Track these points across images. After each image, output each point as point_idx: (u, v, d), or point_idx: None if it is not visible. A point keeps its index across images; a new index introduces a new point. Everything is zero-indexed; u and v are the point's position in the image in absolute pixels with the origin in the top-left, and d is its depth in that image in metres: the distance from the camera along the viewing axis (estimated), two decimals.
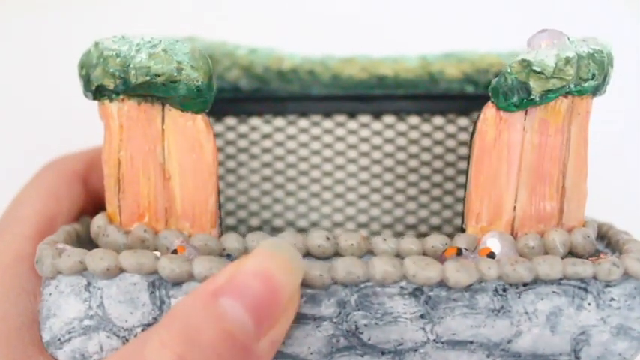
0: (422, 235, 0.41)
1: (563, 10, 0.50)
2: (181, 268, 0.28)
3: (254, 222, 0.42)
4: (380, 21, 0.52)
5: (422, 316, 0.28)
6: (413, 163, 0.41)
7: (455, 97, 0.41)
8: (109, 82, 0.29)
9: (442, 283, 0.28)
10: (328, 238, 0.30)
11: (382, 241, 0.30)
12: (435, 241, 0.30)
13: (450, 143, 0.41)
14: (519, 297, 0.28)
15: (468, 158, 0.30)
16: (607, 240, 0.32)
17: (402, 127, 0.41)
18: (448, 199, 0.41)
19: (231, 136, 0.41)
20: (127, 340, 0.28)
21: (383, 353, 0.28)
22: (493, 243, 0.29)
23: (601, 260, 0.29)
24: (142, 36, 0.29)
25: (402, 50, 0.42)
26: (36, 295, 0.31)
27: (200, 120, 0.29)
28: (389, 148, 0.41)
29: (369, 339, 0.28)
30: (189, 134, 0.30)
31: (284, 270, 0.26)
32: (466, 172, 0.30)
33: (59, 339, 0.29)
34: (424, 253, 0.30)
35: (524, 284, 0.28)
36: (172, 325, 0.25)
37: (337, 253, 0.30)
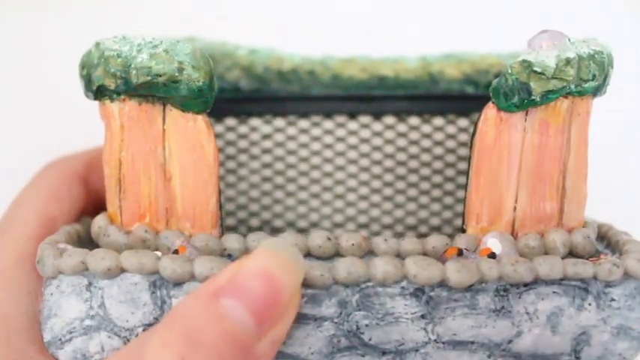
0: (422, 236, 0.41)
1: (563, 10, 0.50)
2: (182, 268, 0.28)
3: (254, 222, 0.42)
4: (380, 21, 0.52)
5: (423, 317, 0.28)
6: (413, 164, 0.41)
7: (455, 97, 0.41)
8: (110, 82, 0.29)
9: (443, 284, 0.28)
10: (329, 239, 0.30)
11: (383, 242, 0.30)
12: (436, 241, 0.30)
13: (450, 144, 0.41)
14: (520, 297, 0.28)
15: (468, 159, 0.30)
16: (607, 240, 0.32)
17: (402, 127, 0.41)
18: (448, 200, 0.41)
19: (231, 136, 0.41)
20: (128, 340, 0.28)
21: (384, 353, 0.28)
22: (494, 243, 0.29)
23: (601, 261, 0.29)
24: (143, 36, 0.29)
25: (402, 51, 0.42)
26: (37, 296, 0.31)
27: (201, 120, 0.29)
28: (389, 148, 0.41)
29: (370, 339, 0.28)
30: (190, 134, 0.30)
31: (285, 270, 0.26)
32: (466, 173, 0.30)
33: (60, 339, 0.29)
34: (425, 254, 0.30)
35: (525, 284, 0.28)
36: (173, 325, 0.25)
37: (338, 254, 0.30)
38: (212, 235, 0.30)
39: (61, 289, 0.29)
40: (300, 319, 0.28)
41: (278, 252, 0.26)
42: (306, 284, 0.28)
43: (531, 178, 0.30)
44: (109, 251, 0.28)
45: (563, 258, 0.29)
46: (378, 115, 0.41)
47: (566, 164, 0.30)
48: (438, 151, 0.41)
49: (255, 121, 0.41)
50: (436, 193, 0.41)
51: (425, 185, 0.41)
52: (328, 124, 0.41)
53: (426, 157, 0.41)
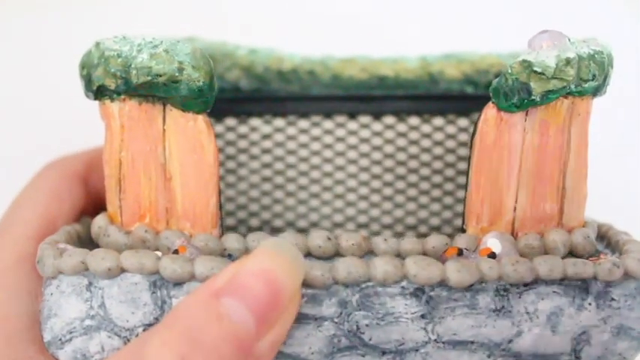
0: (422, 236, 0.41)
1: (563, 10, 0.50)
2: (183, 268, 0.28)
3: (254, 222, 0.42)
4: (380, 21, 0.52)
5: (423, 316, 0.28)
6: (413, 164, 0.41)
7: (455, 97, 0.41)
8: (110, 82, 0.29)
9: (443, 283, 0.28)
10: (329, 239, 0.30)
11: (383, 242, 0.30)
12: (436, 241, 0.30)
13: (450, 144, 0.41)
14: (520, 297, 0.28)
15: (468, 159, 0.30)
16: (607, 240, 0.32)
17: (402, 127, 0.41)
18: (448, 200, 0.41)
19: (231, 136, 0.41)
20: (129, 340, 0.28)
21: (384, 353, 0.28)
22: (494, 243, 0.30)
23: (601, 260, 0.29)
24: (143, 36, 0.29)
25: (402, 51, 0.42)
26: (37, 296, 0.31)
27: (201, 120, 0.29)
28: (389, 148, 0.41)
29: (370, 339, 0.28)
30: (190, 134, 0.30)
31: (285, 270, 0.26)
32: (466, 173, 0.30)
33: (60, 339, 0.29)
34: (425, 254, 0.30)
35: (525, 284, 0.28)
36: (174, 325, 0.25)
37: (338, 254, 0.30)
38: (212, 235, 0.30)
39: (61, 289, 0.29)
40: (301, 318, 0.28)
41: (278, 252, 0.26)
42: (306, 284, 0.28)
43: (531, 178, 0.30)
44: (109, 251, 0.28)
45: (563, 258, 0.29)
46: (377, 115, 0.41)
47: (566, 164, 0.30)
48: (438, 151, 0.41)
49: (255, 121, 0.41)
50: (436, 193, 0.41)
51: (425, 185, 0.41)
52: (328, 124, 0.41)
53: (425, 157, 0.41)
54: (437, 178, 0.41)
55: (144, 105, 0.29)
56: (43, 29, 0.51)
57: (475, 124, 0.30)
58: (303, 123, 0.41)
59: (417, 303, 0.28)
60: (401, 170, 0.41)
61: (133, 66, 0.28)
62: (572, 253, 0.30)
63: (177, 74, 0.28)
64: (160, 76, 0.28)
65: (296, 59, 0.41)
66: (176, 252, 0.29)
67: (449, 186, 0.41)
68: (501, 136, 0.29)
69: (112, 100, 0.29)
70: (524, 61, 0.28)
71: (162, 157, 0.30)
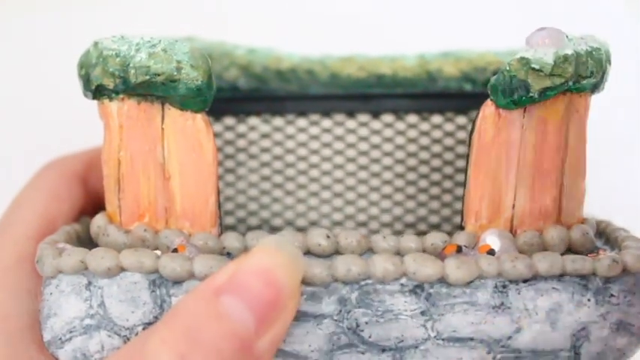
0: (421, 234, 0.41)
1: (562, 10, 0.50)
2: (182, 267, 0.28)
3: (253, 221, 0.42)
4: (378, 20, 0.52)
5: (422, 313, 0.28)
6: (412, 162, 0.41)
7: (453, 95, 0.41)
8: (108, 81, 0.29)
9: (442, 280, 0.28)
10: (328, 237, 0.30)
11: (382, 239, 0.30)
12: (435, 239, 0.30)
13: (449, 141, 0.41)
14: (519, 293, 0.28)
15: (466, 156, 0.30)
16: (605, 237, 0.33)
17: (400, 125, 0.41)
18: (447, 198, 0.41)
19: (229, 135, 0.41)
20: (128, 339, 0.28)
21: (383, 350, 0.29)
22: (492, 240, 0.30)
23: (600, 257, 0.29)
24: (142, 35, 0.29)
25: (400, 49, 0.42)
26: (37, 296, 0.31)
27: (200, 119, 0.29)
28: (387, 146, 0.41)
29: (370, 336, 0.28)
30: (189, 133, 0.30)
31: (285, 268, 0.26)
32: (465, 170, 0.30)
33: (60, 338, 0.29)
34: (424, 251, 0.30)
35: (524, 281, 0.28)
36: (173, 323, 0.25)
37: (337, 252, 0.30)
38: (211, 234, 0.30)
39: (60, 289, 0.29)
40: (300, 316, 0.28)
41: (278, 250, 0.26)
42: (305, 282, 0.28)
43: (530, 175, 0.30)
44: (108, 250, 0.28)
45: (562, 254, 0.29)
46: (376, 114, 0.41)
47: (564, 161, 0.30)
48: (437, 148, 0.41)
49: (253, 120, 0.41)
50: (435, 190, 0.41)
51: (423, 183, 0.41)
52: (327, 122, 0.41)
53: (424, 155, 0.41)
54: (435, 176, 0.41)
55: (142, 104, 0.29)
56: (42, 29, 0.51)
57: (473, 121, 0.30)
58: (302, 122, 0.41)
59: (416, 300, 0.28)
60: (400, 168, 0.41)
61: (131, 65, 0.28)
62: (571, 250, 0.30)
63: (175, 73, 0.28)
64: (159, 75, 0.28)
65: (294, 58, 0.41)
66: (175, 251, 0.29)
67: (447, 184, 0.41)
68: (499, 133, 0.29)
69: (111, 99, 0.29)
70: (522, 58, 0.28)
71: (161, 157, 0.30)
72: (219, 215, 0.30)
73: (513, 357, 0.29)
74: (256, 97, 0.41)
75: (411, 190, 0.41)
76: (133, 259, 0.28)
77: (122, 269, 0.28)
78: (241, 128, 0.41)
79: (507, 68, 0.28)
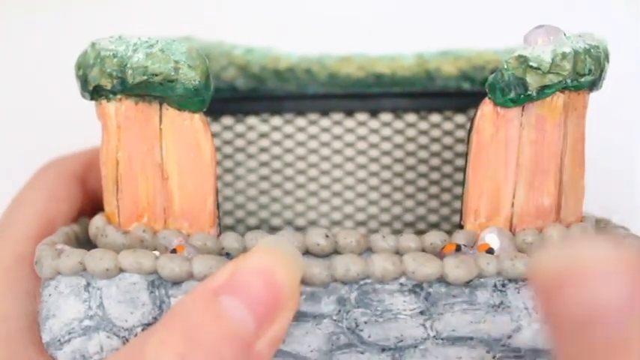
0: (420, 233, 0.41)
1: (562, 10, 0.50)
2: (181, 267, 0.28)
3: (252, 221, 0.42)
4: (376, 19, 0.52)
5: (422, 313, 0.28)
6: (410, 161, 0.41)
7: (452, 94, 0.41)
8: (106, 82, 0.29)
9: (442, 280, 0.28)
10: (327, 237, 0.30)
11: (381, 239, 0.30)
12: (434, 238, 0.30)
13: (447, 140, 0.41)
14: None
15: (465, 155, 0.30)
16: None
17: (399, 124, 0.41)
18: (446, 196, 0.41)
19: (228, 135, 0.41)
20: (127, 340, 0.28)
21: (383, 350, 0.28)
22: (492, 239, 0.30)
23: None
24: (139, 36, 0.29)
25: (398, 48, 0.42)
26: (36, 297, 0.31)
27: (198, 119, 0.29)
28: (386, 145, 0.41)
29: (369, 336, 0.28)
30: (187, 134, 0.30)
31: (284, 268, 0.26)
32: (464, 169, 0.30)
33: (59, 340, 0.29)
34: (423, 250, 0.30)
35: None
36: (173, 324, 0.25)
37: (336, 251, 0.30)
38: (210, 235, 0.30)
39: (59, 290, 0.29)
40: (299, 316, 0.28)
41: (276, 250, 0.26)
42: (304, 282, 0.28)
43: (529, 174, 0.30)
44: (107, 251, 0.28)
45: None
46: (374, 113, 0.41)
47: (563, 159, 0.30)
48: (435, 147, 0.41)
49: (251, 120, 0.41)
50: (434, 189, 0.41)
51: (422, 182, 0.41)
52: (325, 122, 0.41)
53: (423, 154, 0.41)
54: (434, 175, 0.41)
55: (140, 105, 0.29)
56: (41, 29, 0.51)
57: (472, 120, 0.30)
58: (301, 121, 0.41)
59: (415, 299, 0.28)
60: (398, 167, 0.41)
61: (128, 66, 0.28)
62: None
63: (173, 74, 0.28)
64: (156, 75, 0.28)
65: (292, 58, 0.41)
66: (174, 251, 0.29)
67: (446, 182, 0.41)
68: (498, 131, 0.29)
69: (109, 100, 0.29)
70: (520, 56, 0.28)
71: (159, 157, 0.30)
72: (218, 215, 0.30)
73: (513, 356, 0.29)
74: (254, 97, 0.41)
75: (409, 189, 0.41)
76: (132, 260, 0.28)
77: (121, 270, 0.28)
78: (239, 128, 0.41)
79: (505, 66, 0.28)
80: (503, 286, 0.28)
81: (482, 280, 0.28)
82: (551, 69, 0.28)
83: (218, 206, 0.30)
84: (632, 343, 0.20)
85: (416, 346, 0.28)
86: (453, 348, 0.29)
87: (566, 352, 0.21)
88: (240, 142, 0.41)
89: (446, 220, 0.41)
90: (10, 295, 0.31)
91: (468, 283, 0.28)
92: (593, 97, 0.31)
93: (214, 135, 0.40)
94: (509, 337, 0.29)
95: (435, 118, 0.41)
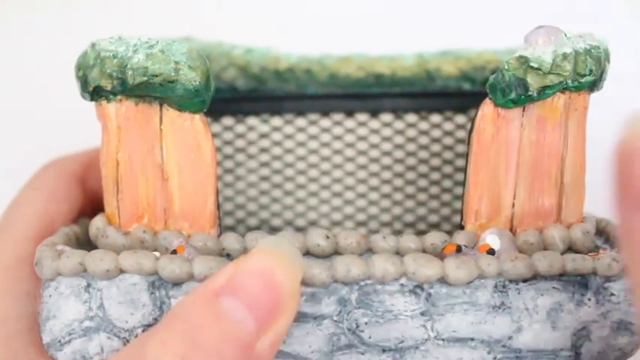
0: (421, 233, 0.41)
1: (562, 10, 0.50)
2: (181, 268, 0.28)
3: (252, 222, 0.42)
4: (376, 19, 0.52)
5: (422, 314, 0.28)
6: (411, 161, 0.41)
7: (452, 94, 0.41)
8: (106, 83, 0.29)
9: (442, 280, 0.28)
10: (327, 237, 0.30)
11: (381, 239, 0.30)
12: (435, 238, 0.30)
13: (448, 141, 0.41)
14: (519, 293, 0.28)
15: (466, 155, 0.30)
16: (606, 235, 0.32)
17: (399, 125, 0.41)
18: (446, 197, 0.41)
19: (228, 135, 0.41)
20: (128, 341, 0.28)
21: (384, 351, 0.28)
22: (492, 239, 0.30)
23: (600, 256, 0.29)
24: (139, 36, 0.29)
25: (398, 48, 0.42)
26: (36, 297, 0.31)
27: (198, 120, 0.29)
28: (386, 146, 0.41)
29: (370, 337, 0.28)
30: (187, 134, 0.29)
31: (284, 268, 0.26)
32: (464, 170, 0.30)
33: (59, 341, 0.29)
34: (424, 251, 0.30)
35: (524, 280, 0.28)
36: (173, 325, 0.25)
37: (337, 252, 0.30)
38: (210, 235, 0.30)
39: (59, 291, 0.29)
40: (300, 317, 0.28)
41: (277, 251, 0.26)
42: (305, 283, 0.28)
43: (529, 174, 0.30)
44: (107, 252, 0.28)
45: (562, 253, 0.29)
46: (375, 113, 0.41)
47: (564, 160, 0.30)
48: (436, 148, 0.41)
49: (252, 120, 0.41)
50: (434, 190, 0.41)
51: (423, 182, 0.41)
52: (325, 122, 0.41)
53: (423, 154, 0.41)
54: (435, 175, 0.41)
55: (140, 105, 0.29)
56: (41, 30, 0.51)
57: (472, 120, 0.30)
58: (301, 121, 0.41)
59: (416, 300, 0.28)
60: (399, 168, 0.41)
61: (128, 66, 0.28)
62: (571, 249, 0.30)
63: (173, 74, 0.28)
64: (156, 76, 0.28)
65: (292, 58, 0.41)
66: (174, 252, 0.29)
67: (447, 183, 0.41)
68: (499, 132, 0.29)
69: (109, 100, 0.29)
70: (520, 56, 0.28)
71: (159, 158, 0.30)
72: (219, 216, 0.30)
73: (514, 357, 0.29)
74: (255, 97, 0.41)
75: (410, 189, 0.41)
76: (132, 261, 0.28)
77: (121, 271, 0.28)
78: (240, 128, 0.41)
79: (506, 67, 0.28)
80: (504, 286, 0.28)
81: (482, 280, 0.28)
82: (552, 69, 0.28)
83: (218, 207, 0.30)
84: None
85: (417, 347, 0.28)
86: (454, 349, 0.28)
87: (630, 225, 0.21)
88: (240, 143, 0.41)
89: (446, 220, 0.41)
90: (10, 296, 0.31)
91: (468, 284, 0.28)
92: (594, 97, 0.31)
93: (215, 135, 0.40)
94: (510, 337, 0.29)
95: (436, 118, 0.41)
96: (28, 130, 0.50)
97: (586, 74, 0.29)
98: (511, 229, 0.30)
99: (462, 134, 0.41)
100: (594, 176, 0.33)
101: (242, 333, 0.25)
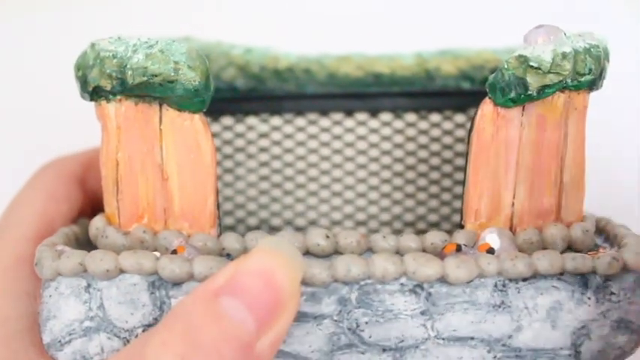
0: (421, 232, 0.41)
1: (562, 10, 0.50)
2: (181, 268, 0.28)
3: (252, 221, 0.42)
4: (375, 19, 0.52)
5: (422, 313, 0.28)
6: (410, 160, 0.41)
7: (451, 93, 0.41)
8: (105, 83, 0.29)
9: (442, 280, 0.28)
10: (327, 237, 0.30)
11: (381, 239, 0.30)
12: (434, 238, 0.30)
13: (447, 140, 0.41)
14: (519, 292, 0.28)
15: (465, 155, 0.30)
16: (605, 234, 0.32)
17: (398, 124, 0.41)
18: (446, 196, 0.41)
19: (228, 135, 0.41)
20: (128, 341, 0.28)
21: (384, 350, 0.28)
22: (492, 239, 0.30)
23: (600, 254, 0.29)
24: (139, 36, 0.29)
25: (397, 48, 0.42)
26: (36, 297, 0.31)
27: (198, 120, 0.29)
28: (386, 145, 0.41)
29: (370, 336, 0.28)
30: (187, 134, 0.29)
31: (284, 268, 0.26)
32: (464, 169, 0.30)
33: (59, 341, 0.29)
34: (424, 250, 0.30)
35: (524, 279, 0.28)
36: (173, 325, 0.25)
37: (337, 252, 0.30)
38: (210, 235, 0.30)
39: (59, 291, 0.29)
40: (300, 317, 0.28)
41: (277, 250, 0.26)
42: (305, 282, 0.28)
43: (529, 173, 0.30)
44: (107, 252, 0.28)
45: (562, 252, 0.29)
46: (374, 112, 0.41)
47: (563, 159, 0.30)
48: (435, 147, 0.41)
49: (251, 120, 0.41)
50: (434, 189, 0.41)
51: (422, 182, 0.41)
52: (325, 121, 0.41)
53: (423, 154, 0.41)
54: (434, 175, 0.41)
55: (140, 105, 0.29)
56: (41, 29, 0.51)
57: (472, 119, 0.30)
58: (300, 121, 0.41)
59: (416, 300, 0.28)
60: (398, 167, 0.41)
61: (128, 66, 0.28)
62: (570, 248, 0.30)
63: (172, 74, 0.28)
64: (156, 76, 0.28)
65: (291, 58, 0.41)
66: (174, 252, 0.29)
67: (447, 182, 0.41)
68: (498, 131, 0.29)
69: (108, 100, 0.29)
70: (520, 56, 0.28)
71: (159, 158, 0.30)
72: (218, 216, 0.30)
73: (514, 356, 0.29)
74: (254, 97, 0.41)
75: (410, 188, 0.41)
76: (132, 261, 0.28)
77: (121, 271, 0.28)
78: (239, 128, 0.41)
79: (505, 66, 0.28)
80: (504, 286, 0.28)
81: (482, 280, 0.28)
82: (552, 69, 0.28)
83: (218, 206, 0.30)
84: None
85: (417, 347, 0.28)
86: (454, 348, 0.29)
87: None
88: (240, 142, 0.41)
89: (446, 219, 0.41)
90: (10, 296, 0.31)
91: (468, 284, 0.28)
92: (594, 97, 0.31)
93: (214, 135, 0.40)
94: (510, 336, 0.29)
95: (435, 117, 0.41)
96: (28, 130, 0.50)
97: (585, 73, 0.29)
98: (511, 228, 0.30)
99: (461, 133, 0.41)
100: (594, 175, 0.33)
101: (242, 333, 0.25)
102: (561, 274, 0.29)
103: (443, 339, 0.28)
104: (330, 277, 0.28)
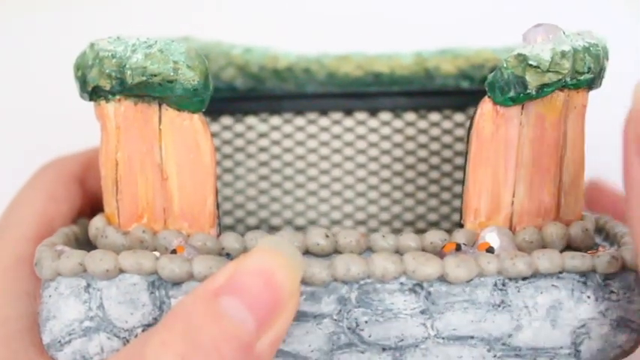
0: (420, 232, 0.41)
1: (561, 10, 0.50)
2: (181, 268, 0.28)
3: (252, 221, 0.42)
4: (375, 18, 0.52)
5: (422, 312, 0.28)
6: (410, 160, 0.41)
7: (451, 92, 0.41)
8: (105, 82, 0.29)
9: (442, 279, 0.28)
10: (327, 236, 0.30)
11: (381, 238, 0.30)
12: (434, 237, 0.30)
13: (447, 139, 0.41)
14: (519, 291, 0.28)
15: (465, 154, 0.30)
16: (605, 233, 0.32)
17: (398, 123, 0.41)
18: (446, 195, 0.41)
19: (227, 135, 0.41)
20: (128, 341, 0.28)
21: (384, 350, 0.28)
22: (492, 238, 0.30)
23: (600, 253, 0.29)
24: (138, 36, 0.29)
25: (397, 47, 0.42)
26: (36, 298, 0.31)
27: (197, 119, 0.29)
28: (385, 144, 0.41)
29: (370, 336, 0.28)
30: (186, 134, 0.30)
31: (284, 268, 0.26)
32: (463, 168, 0.30)
33: (59, 341, 0.29)
34: (423, 250, 0.30)
35: (524, 278, 0.28)
36: (173, 325, 0.25)
37: (336, 251, 0.30)
38: (210, 235, 0.30)
39: (59, 291, 0.29)
40: (300, 316, 0.28)
41: (276, 250, 0.26)
42: (305, 282, 0.28)
43: (529, 172, 0.30)
44: (107, 252, 0.28)
45: (561, 251, 0.29)
46: (373, 112, 0.41)
47: (563, 157, 0.30)
48: (435, 146, 0.41)
49: (251, 120, 0.41)
50: (433, 188, 0.41)
51: (422, 181, 0.41)
52: (324, 121, 0.41)
53: (422, 153, 0.41)
54: (434, 174, 0.41)
55: (139, 105, 0.29)
56: (41, 29, 0.51)
57: (471, 118, 0.30)
58: (300, 120, 0.41)
59: (416, 299, 0.28)
60: (398, 166, 0.41)
61: (127, 66, 0.28)
62: (570, 247, 0.30)
63: (172, 74, 0.28)
64: (155, 76, 0.28)
65: (291, 57, 0.41)
66: (174, 252, 0.29)
67: (446, 181, 0.41)
68: (498, 130, 0.29)
69: (107, 100, 0.29)
70: (519, 54, 0.28)
71: (158, 157, 0.30)
72: (218, 215, 0.30)
73: (514, 355, 0.29)
74: (253, 97, 0.41)
75: (409, 188, 0.41)
76: (132, 261, 0.28)
77: (121, 271, 0.28)
78: (239, 128, 0.41)
79: (505, 65, 0.28)
80: (504, 285, 0.28)
81: (482, 279, 0.28)
82: (551, 67, 0.28)
83: (218, 206, 0.30)
84: None
85: (417, 346, 0.28)
86: (454, 347, 0.29)
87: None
88: (239, 142, 0.41)
89: (446, 218, 0.41)
90: (10, 296, 0.31)
91: (468, 283, 0.28)
92: (593, 96, 0.31)
93: (214, 135, 0.40)
94: (510, 335, 0.29)
95: (434, 116, 0.41)
96: (28, 130, 0.50)
97: (584, 72, 0.29)
98: (510, 227, 0.30)
99: (460, 132, 0.41)
100: (594, 174, 0.33)
101: (242, 332, 0.25)
102: (561, 272, 0.29)
103: (443, 338, 0.28)
104: (329, 277, 0.28)
